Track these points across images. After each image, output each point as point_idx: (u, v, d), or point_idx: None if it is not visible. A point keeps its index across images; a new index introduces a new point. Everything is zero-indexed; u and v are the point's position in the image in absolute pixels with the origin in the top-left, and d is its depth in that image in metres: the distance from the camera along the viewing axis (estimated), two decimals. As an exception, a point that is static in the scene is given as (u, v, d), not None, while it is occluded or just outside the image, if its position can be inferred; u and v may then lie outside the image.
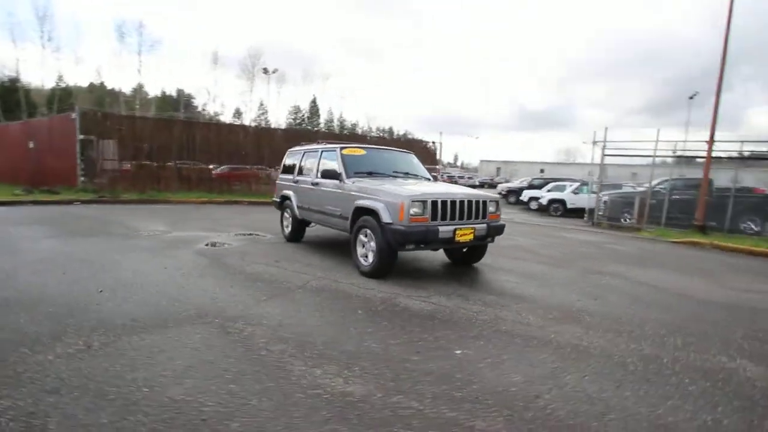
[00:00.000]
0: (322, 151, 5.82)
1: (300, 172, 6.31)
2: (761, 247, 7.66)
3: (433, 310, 3.49)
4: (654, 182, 14.74)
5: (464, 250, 5.11)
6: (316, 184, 5.65)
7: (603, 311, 3.69)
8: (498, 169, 58.12)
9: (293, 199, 6.29)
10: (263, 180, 15.27)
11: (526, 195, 19.29)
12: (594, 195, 13.39)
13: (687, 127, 37.57)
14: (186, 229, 7.30)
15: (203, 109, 51.51)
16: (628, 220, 12.61)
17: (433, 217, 4.15)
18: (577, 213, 15.04)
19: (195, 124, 15.96)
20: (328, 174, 5.15)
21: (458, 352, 2.68)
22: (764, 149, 11.82)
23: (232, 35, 74.71)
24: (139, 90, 48.43)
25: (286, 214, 6.67)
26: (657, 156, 12.71)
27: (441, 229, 4.14)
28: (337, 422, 1.87)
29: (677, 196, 12.33)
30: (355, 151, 5.44)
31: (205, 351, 2.54)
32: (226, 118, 50.59)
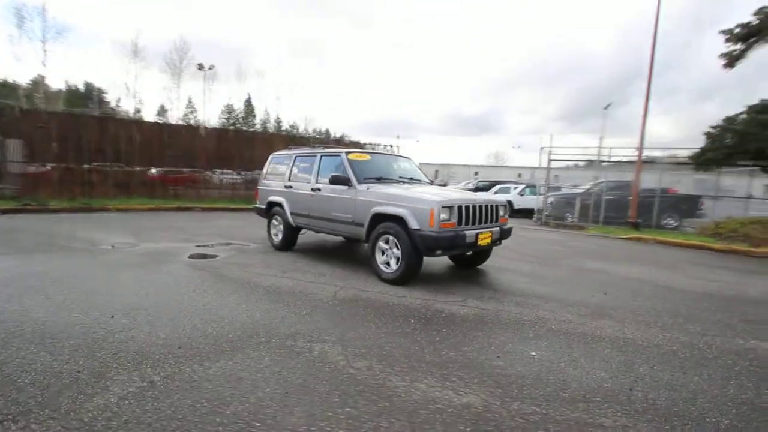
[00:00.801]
0: (321, 156, 5.63)
1: (292, 178, 6.05)
2: (691, 240, 8.89)
3: (477, 314, 3.57)
4: (589, 184, 16.38)
5: (469, 253, 5.27)
6: (317, 189, 5.45)
7: (618, 305, 4.04)
8: (436, 171, 60.30)
9: (285, 205, 6.00)
10: (201, 184, 14.08)
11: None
12: (541, 196, 14.51)
13: (603, 134, 42.09)
14: (154, 240, 6.61)
15: (117, 105, 46.57)
16: (570, 219, 13.85)
17: (459, 222, 4.24)
18: (523, 213, 16.12)
19: (133, 124, 14.41)
20: (337, 180, 5.00)
21: (533, 353, 2.79)
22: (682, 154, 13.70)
23: (154, 26, 68.61)
24: (40, 82, 42.55)
25: (275, 222, 6.35)
26: (598, 160, 14.09)
27: (467, 233, 4.24)
28: (481, 435, 1.86)
29: (610, 197, 13.78)
30: (361, 156, 5.35)
31: (289, 374, 2.35)
32: (148, 115, 46.30)
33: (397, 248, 4.34)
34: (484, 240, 4.45)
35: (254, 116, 66.68)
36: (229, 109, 63.85)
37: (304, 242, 6.81)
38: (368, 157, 5.42)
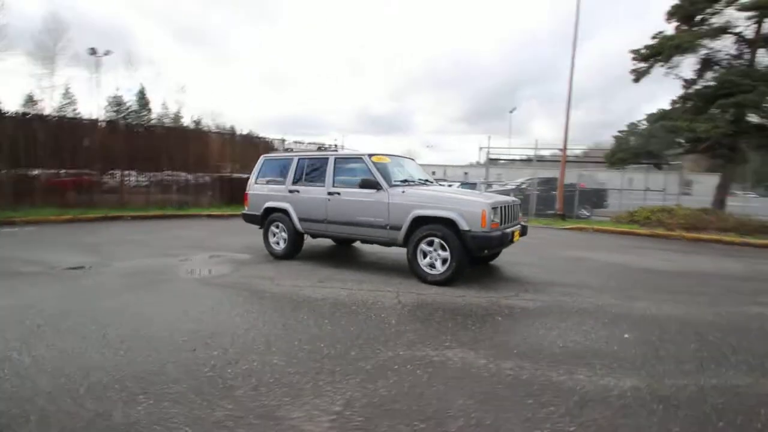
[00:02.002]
0: (335, 159, 5.42)
1: (296, 182, 5.71)
2: (621, 227, 10.48)
3: (543, 306, 3.84)
4: (520, 180, 18.12)
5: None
6: (335, 194, 5.25)
7: (628, 287, 4.67)
8: None
9: (291, 211, 5.65)
10: (97, 187, 11.93)
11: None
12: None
13: (509, 135, 46.59)
14: (124, 258, 5.71)
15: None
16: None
17: (500, 222, 4.49)
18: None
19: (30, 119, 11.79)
20: (367, 184, 4.88)
21: (626, 336, 3.14)
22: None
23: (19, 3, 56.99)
24: None
25: (274, 229, 5.92)
26: (532, 158, 15.65)
27: (508, 232, 4.51)
28: (676, 417, 2.10)
29: (537, 192, 15.45)
30: (383, 159, 5.28)
31: (463, 384, 2.33)
32: (10, 106, 38.43)
33: (443, 250, 4.43)
34: (515, 237, 4.77)
35: (149, 110, 59.63)
36: (118, 101, 56.17)
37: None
38: (389, 159, 5.38)
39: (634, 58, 12.11)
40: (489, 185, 17.67)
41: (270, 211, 5.94)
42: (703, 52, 11.90)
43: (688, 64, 12.39)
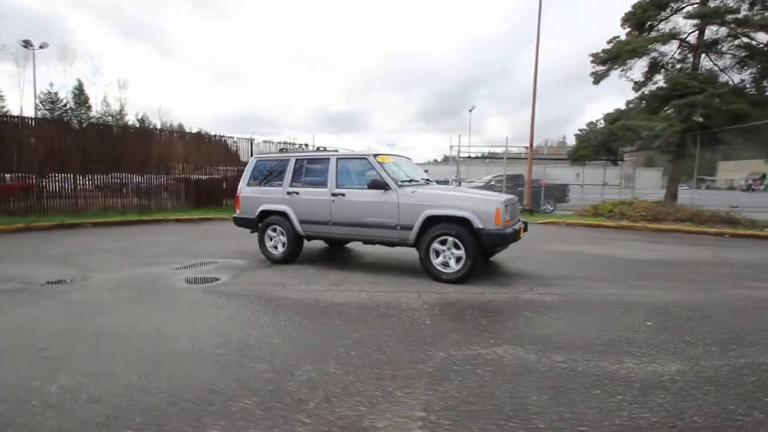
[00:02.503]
0: (337, 159, 5.30)
1: (295, 183, 5.53)
2: (589, 221, 11.12)
3: (560, 300, 3.98)
4: (488, 177, 18.68)
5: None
6: (339, 195, 5.14)
7: (623, 277, 4.96)
8: None
9: (291, 213, 5.47)
10: (46, 192, 10.76)
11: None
12: (453, 190, 16.02)
13: (469, 134, 47.91)
14: (104, 269, 5.27)
15: None
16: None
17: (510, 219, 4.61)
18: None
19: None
20: (376, 184, 4.83)
21: (648, 323, 3.33)
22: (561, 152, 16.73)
23: None
24: None
25: (271, 233, 5.70)
26: (503, 157, 16.18)
27: (518, 228, 4.64)
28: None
29: (506, 188, 16.03)
30: (387, 159, 5.23)
31: (520, 388, 2.37)
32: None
33: (457, 248, 4.48)
34: (522, 232, 4.92)
35: (88, 107, 55.24)
36: (52, 98, 51.67)
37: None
38: (392, 159, 5.35)
39: (592, 62, 12.88)
40: (459, 182, 18.11)
41: (266, 214, 5.71)
42: (652, 56, 12.93)
43: (638, 68, 13.43)
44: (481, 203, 4.46)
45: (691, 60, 12.47)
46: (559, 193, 17.32)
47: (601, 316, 3.52)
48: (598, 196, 15.63)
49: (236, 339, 2.95)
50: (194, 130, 13.52)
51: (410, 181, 5.17)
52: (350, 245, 7.01)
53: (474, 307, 3.74)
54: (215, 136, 14.15)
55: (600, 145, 13.19)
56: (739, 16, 10.58)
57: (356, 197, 5.06)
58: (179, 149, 13.69)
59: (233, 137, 14.54)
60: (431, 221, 4.60)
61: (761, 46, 11.32)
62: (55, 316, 3.43)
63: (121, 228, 9.63)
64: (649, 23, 12.48)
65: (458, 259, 4.49)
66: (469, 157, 20.10)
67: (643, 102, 11.86)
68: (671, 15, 12.36)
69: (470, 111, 38.65)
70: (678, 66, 12.99)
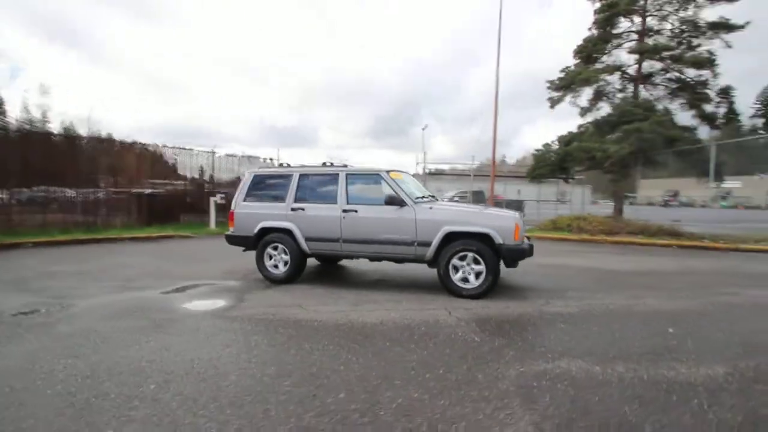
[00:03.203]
0: (347, 175, 5.18)
1: (300, 199, 5.31)
2: (555, 234, 11.83)
3: (580, 312, 4.16)
4: (451, 193, 19.25)
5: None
6: (351, 211, 5.01)
7: (619, 288, 5.32)
8: None
9: (296, 231, 5.23)
10: None
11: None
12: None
13: (424, 151, 49.17)
14: (85, 295, 4.68)
15: None
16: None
17: (521, 234, 4.78)
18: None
19: None
20: (393, 201, 4.78)
21: (671, 330, 3.59)
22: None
23: None
24: None
25: (271, 251, 5.40)
26: (469, 174, 16.77)
27: (531, 243, 4.82)
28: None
29: (471, 202, 16.60)
30: (398, 175, 5.21)
31: (608, 400, 2.43)
32: None
33: (477, 264, 4.54)
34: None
35: (2, 112, 49.31)
36: (-44, 102, 45.41)
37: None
38: (402, 176, 5.34)
39: (549, 88, 13.97)
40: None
41: (266, 231, 5.41)
42: (598, 85, 14.28)
43: (585, 95, 14.77)
44: (500, 219, 4.58)
45: (632, 89, 13.97)
46: (517, 208, 18.36)
47: (625, 325, 3.73)
48: (551, 212, 16.76)
49: (294, 369, 2.73)
50: (128, 140, 12.24)
51: (422, 197, 5.19)
52: (343, 261, 6.84)
53: (508, 321, 3.79)
54: (173, 147, 13.23)
55: (556, 164, 14.24)
56: (675, 53, 12.08)
57: (370, 213, 4.97)
58: (131, 161, 12.61)
59: (192, 150, 13.71)
60: (449, 237, 4.63)
61: (689, 80, 12.99)
62: (59, 355, 2.95)
63: (71, 248, 8.60)
64: (595, 56, 13.82)
65: (477, 275, 4.55)
66: (431, 173, 20.70)
67: (595, 127, 12.97)
68: (613, 49, 13.82)
69: (423, 129, 39.85)
70: (619, 95, 14.48)
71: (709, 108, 13.12)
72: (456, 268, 4.62)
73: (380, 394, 2.38)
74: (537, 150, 15.31)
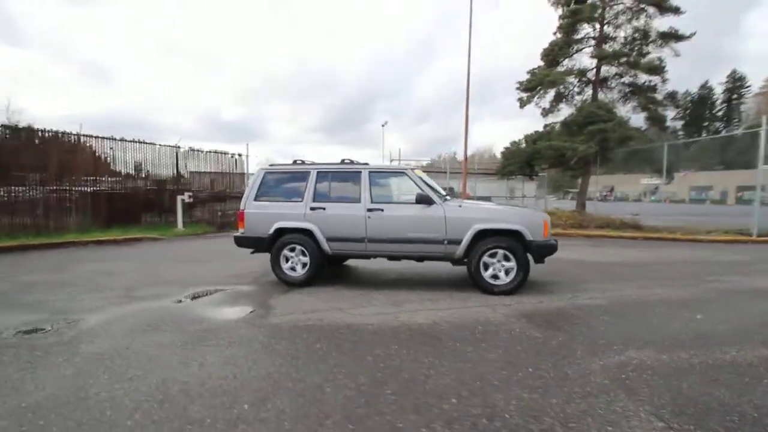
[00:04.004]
0: (369, 173, 5.05)
1: (319, 198, 5.10)
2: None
3: (610, 303, 4.39)
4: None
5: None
6: (376, 210, 4.90)
7: (625, 278, 5.70)
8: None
9: (316, 231, 5.02)
10: None
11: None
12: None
13: (382, 148, 49.25)
14: (87, 309, 4.18)
15: None
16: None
17: (543, 230, 4.94)
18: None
19: None
20: (423, 199, 4.74)
21: (699, 316, 3.89)
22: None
23: None
24: None
25: (288, 253, 5.14)
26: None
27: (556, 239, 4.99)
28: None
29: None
30: (421, 173, 5.17)
31: (711, 386, 2.58)
32: None
33: (507, 260, 4.64)
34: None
35: None
36: None
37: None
38: (423, 174, 5.31)
39: (518, 89, 14.59)
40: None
41: (282, 232, 5.14)
42: (559, 88, 15.14)
43: (548, 96, 15.60)
44: (530, 216, 4.71)
45: (590, 92, 14.96)
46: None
47: (656, 314, 3.99)
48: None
49: (385, 377, 2.62)
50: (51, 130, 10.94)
51: (444, 195, 5.20)
52: (349, 261, 6.70)
53: (552, 315, 3.92)
54: (133, 141, 12.12)
55: (524, 161, 14.92)
56: (631, 59, 13.08)
57: (396, 212, 4.89)
58: (87, 156, 11.40)
59: (155, 144, 12.65)
60: (479, 235, 4.69)
61: (641, 84, 14.15)
62: (109, 379, 2.59)
63: (27, 255, 7.65)
64: (559, 59, 14.62)
65: (507, 271, 4.65)
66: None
67: (563, 126, 13.74)
68: (574, 53, 14.70)
69: (383, 125, 39.97)
70: (577, 97, 15.47)
71: (658, 110, 14.40)
72: (486, 266, 4.68)
73: (491, 396, 2.35)
74: (505, 148, 15.95)
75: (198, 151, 13.82)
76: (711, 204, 42.44)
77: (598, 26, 14.24)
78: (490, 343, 3.22)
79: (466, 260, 4.81)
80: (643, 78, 14.10)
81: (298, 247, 5.10)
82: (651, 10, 13.74)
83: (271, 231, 5.12)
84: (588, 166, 14.38)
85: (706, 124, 66.26)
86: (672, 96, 14.45)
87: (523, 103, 14.53)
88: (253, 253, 5.54)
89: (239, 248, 5.40)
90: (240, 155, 14.74)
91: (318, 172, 5.20)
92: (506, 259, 4.64)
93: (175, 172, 13.28)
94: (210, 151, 14.15)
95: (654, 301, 4.44)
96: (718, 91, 66.75)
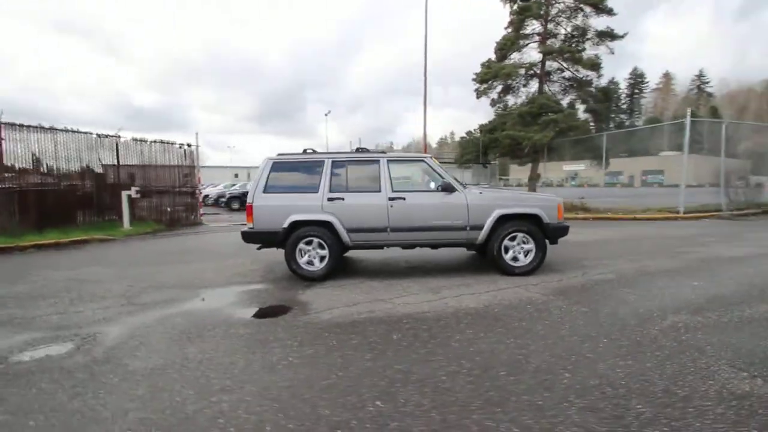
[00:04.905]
0: (388, 161, 4.97)
1: (336, 188, 4.92)
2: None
3: (618, 278, 4.80)
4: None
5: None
6: (398, 199, 4.85)
7: (608, 255, 6.28)
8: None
9: (336, 223, 4.85)
10: None
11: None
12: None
13: (327, 137, 47.96)
14: (92, 321, 3.68)
15: None
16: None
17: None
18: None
19: None
20: (447, 187, 4.79)
21: (695, 283, 4.43)
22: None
23: None
24: None
25: (304, 247, 4.92)
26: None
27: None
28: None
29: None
30: (437, 161, 5.19)
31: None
32: None
33: (526, 243, 4.88)
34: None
35: None
36: None
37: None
38: (438, 161, 5.34)
39: (474, 80, 15.17)
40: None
41: (298, 225, 4.89)
42: (506, 80, 16.02)
43: (497, 89, 16.45)
44: (546, 201, 4.99)
45: (535, 86, 16.03)
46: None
47: (664, 283, 4.46)
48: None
49: (491, 362, 2.66)
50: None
51: (461, 183, 5.29)
52: (350, 252, 6.57)
53: (581, 291, 4.22)
54: (66, 130, 10.57)
55: (482, 151, 15.63)
56: (576, 55, 14.21)
57: (418, 200, 4.90)
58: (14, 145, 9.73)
59: (91, 134, 11.17)
60: (504, 219, 4.87)
61: (580, 78, 15.46)
62: (206, 394, 2.32)
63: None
64: (510, 53, 15.44)
65: (526, 253, 4.90)
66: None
67: (518, 117, 14.58)
68: (523, 47, 15.62)
69: (326, 114, 39.37)
70: (522, 89, 16.51)
71: (593, 104, 15.87)
72: (506, 249, 4.89)
73: (595, 367, 2.50)
74: (462, 137, 16.55)
75: (142, 141, 12.48)
76: (621, 187, 47.89)
77: (543, 23, 15.24)
78: (550, 319, 3.39)
79: (480, 244, 4.97)
80: (581, 73, 15.42)
81: (316, 240, 4.90)
82: (588, 9, 15.00)
83: (286, 224, 4.85)
84: (538, 154, 15.48)
85: (612, 116, 74.66)
86: (605, 90, 16.00)
87: (479, 94, 15.18)
88: (259, 248, 5.22)
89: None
90: (190, 146, 13.56)
91: (332, 162, 5.01)
92: (525, 241, 4.89)
93: (116, 164, 11.90)
94: (156, 141, 12.85)
95: (653, 273, 4.97)
96: (623, 86, 75.40)
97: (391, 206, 4.87)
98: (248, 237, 5.02)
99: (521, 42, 15.45)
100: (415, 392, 2.26)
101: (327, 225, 4.87)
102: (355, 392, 2.27)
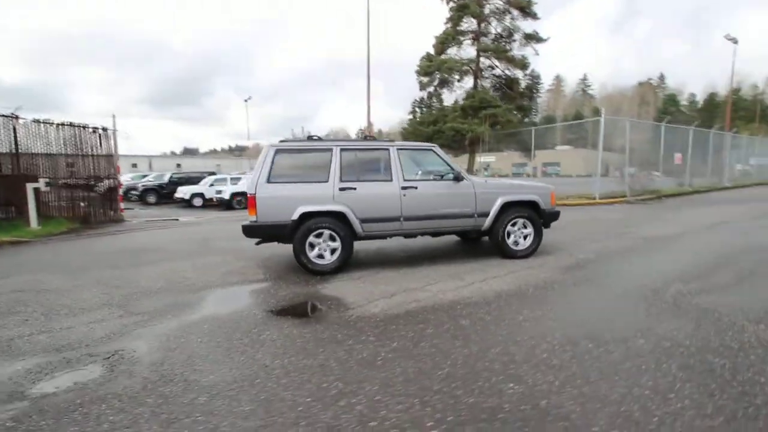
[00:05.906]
0: (398, 150, 4.89)
1: (346, 178, 4.72)
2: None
3: (612, 258, 5.42)
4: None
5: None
6: (410, 188, 4.82)
7: (591, 237, 7.00)
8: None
9: (349, 213, 4.67)
10: None
11: (185, 192, 17.65)
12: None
13: (248, 124, 44.63)
14: (116, 333, 3.12)
15: None
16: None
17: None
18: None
19: None
20: (458, 176, 4.89)
21: (661, 257, 5.18)
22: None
23: None
24: None
25: (314, 239, 4.65)
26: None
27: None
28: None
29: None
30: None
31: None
32: None
33: (526, 228, 5.22)
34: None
35: None
36: None
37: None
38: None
39: (417, 72, 15.52)
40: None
41: (308, 216, 4.59)
42: (442, 75, 16.71)
43: (435, 82, 17.07)
44: (541, 188, 5.36)
45: (470, 81, 16.97)
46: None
47: (645, 261, 5.10)
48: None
49: (573, 336, 2.82)
50: None
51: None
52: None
53: (584, 270, 4.65)
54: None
55: (425, 141, 16.09)
56: (509, 54, 15.30)
57: (430, 189, 4.94)
58: None
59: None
60: (508, 207, 5.13)
61: (509, 77, 16.73)
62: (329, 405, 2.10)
63: None
64: (448, 49, 16.07)
65: (525, 237, 5.25)
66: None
67: (461, 110, 15.28)
68: (461, 43, 16.38)
69: (246, 101, 36.80)
70: (457, 84, 17.37)
71: (519, 101, 17.33)
72: (508, 234, 5.18)
73: (653, 335, 2.81)
74: (404, 128, 16.87)
75: (47, 123, 10.46)
76: (527, 177, 53.47)
77: (478, 21, 16.12)
78: (581, 296, 3.72)
79: (485, 231, 5.19)
80: (510, 72, 16.70)
81: (327, 232, 4.66)
82: (515, 12, 16.24)
83: (296, 216, 4.53)
84: (474, 146, 16.46)
85: (515, 113, 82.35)
86: (530, 88, 17.55)
87: (423, 86, 15.58)
88: (258, 243, 4.83)
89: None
90: (106, 129, 11.64)
91: (341, 150, 4.78)
92: (525, 226, 5.23)
93: (14, 151, 9.84)
94: (63, 124, 10.84)
95: (621, 252, 5.63)
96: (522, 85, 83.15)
97: (404, 195, 4.83)
98: (251, 231, 4.59)
99: (460, 38, 16.19)
100: (536, 371, 2.32)
101: (339, 216, 4.67)
102: (500, 372, 2.26)
